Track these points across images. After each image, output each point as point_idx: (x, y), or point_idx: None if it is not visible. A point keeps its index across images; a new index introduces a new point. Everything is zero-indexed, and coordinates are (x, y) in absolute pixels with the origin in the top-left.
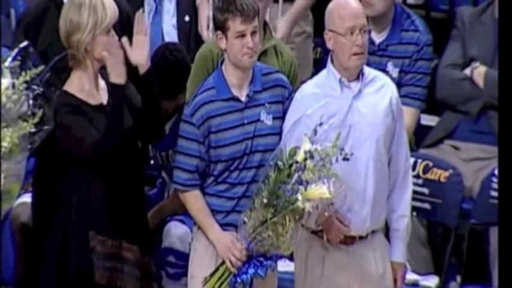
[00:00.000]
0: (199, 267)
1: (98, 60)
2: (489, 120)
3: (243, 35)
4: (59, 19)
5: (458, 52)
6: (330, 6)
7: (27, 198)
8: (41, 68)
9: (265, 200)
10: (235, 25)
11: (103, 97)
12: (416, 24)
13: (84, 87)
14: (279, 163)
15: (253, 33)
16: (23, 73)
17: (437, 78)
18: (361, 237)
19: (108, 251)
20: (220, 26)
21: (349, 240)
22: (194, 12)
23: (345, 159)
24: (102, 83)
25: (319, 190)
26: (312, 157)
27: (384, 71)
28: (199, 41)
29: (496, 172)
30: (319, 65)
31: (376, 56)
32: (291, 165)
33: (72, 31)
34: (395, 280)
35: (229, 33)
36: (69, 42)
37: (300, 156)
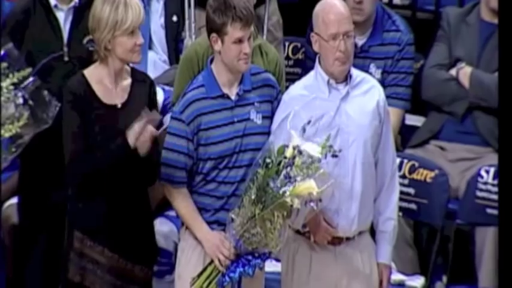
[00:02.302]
0: (187, 268)
1: (120, 60)
2: (475, 121)
3: (240, 41)
4: (45, 20)
5: (444, 53)
6: (317, 8)
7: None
8: (29, 70)
9: (253, 196)
10: (235, 31)
11: (120, 97)
12: (397, 24)
13: (103, 80)
14: (268, 160)
15: (249, 38)
16: (10, 75)
17: (423, 79)
18: (348, 238)
19: (83, 251)
20: (216, 29)
21: (336, 241)
22: (182, 12)
23: (334, 155)
24: (125, 82)
25: (307, 184)
26: (300, 152)
27: (367, 72)
28: None
29: (482, 172)
30: (303, 67)
31: (359, 58)
32: (279, 163)
33: (94, 28)
34: (381, 281)
35: (226, 38)
36: (93, 37)
37: (288, 152)
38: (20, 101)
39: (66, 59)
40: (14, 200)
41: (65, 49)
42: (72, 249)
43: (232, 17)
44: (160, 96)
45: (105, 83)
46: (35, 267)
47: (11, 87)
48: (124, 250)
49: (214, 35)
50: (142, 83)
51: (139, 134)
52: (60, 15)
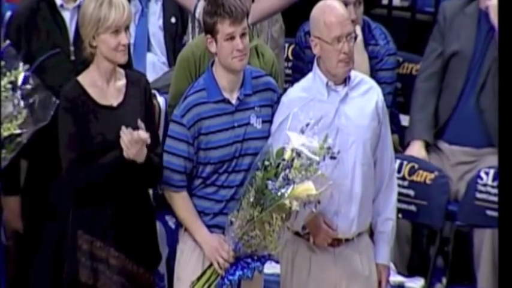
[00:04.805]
0: (186, 269)
1: (107, 60)
2: (482, 118)
3: (232, 37)
4: (51, 20)
5: (432, 55)
6: (315, 12)
7: None
8: (26, 67)
9: (251, 199)
10: (224, 27)
11: (116, 97)
12: (376, 38)
13: (97, 82)
14: (266, 163)
15: (242, 35)
16: (8, 73)
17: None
18: (347, 240)
19: (94, 252)
20: (209, 30)
21: (335, 243)
22: (180, 14)
23: (332, 157)
24: (119, 83)
25: (305, 186)
26: (298, 154)
27: None
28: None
29: (481, 174)
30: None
31: None
32: (278, 165)
33: (81, 23)
34: (379, 282)
35: (218, 36)
36: (81, 33)
37: (287, 154)
38: (18, 99)
39: (72, 58)
40: None
41: (71, 48)
42: (81, 253)
43: (220, 14)
44: (162, 105)
45: (99, 85)
46: (41, 269)
47: (9, 85)
48: (129, 251)
49: (208, 36)
50: (137, 84)
51: (129, 144)
52: (66, 15)
